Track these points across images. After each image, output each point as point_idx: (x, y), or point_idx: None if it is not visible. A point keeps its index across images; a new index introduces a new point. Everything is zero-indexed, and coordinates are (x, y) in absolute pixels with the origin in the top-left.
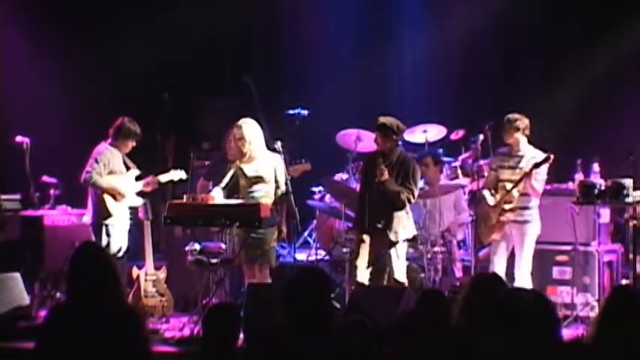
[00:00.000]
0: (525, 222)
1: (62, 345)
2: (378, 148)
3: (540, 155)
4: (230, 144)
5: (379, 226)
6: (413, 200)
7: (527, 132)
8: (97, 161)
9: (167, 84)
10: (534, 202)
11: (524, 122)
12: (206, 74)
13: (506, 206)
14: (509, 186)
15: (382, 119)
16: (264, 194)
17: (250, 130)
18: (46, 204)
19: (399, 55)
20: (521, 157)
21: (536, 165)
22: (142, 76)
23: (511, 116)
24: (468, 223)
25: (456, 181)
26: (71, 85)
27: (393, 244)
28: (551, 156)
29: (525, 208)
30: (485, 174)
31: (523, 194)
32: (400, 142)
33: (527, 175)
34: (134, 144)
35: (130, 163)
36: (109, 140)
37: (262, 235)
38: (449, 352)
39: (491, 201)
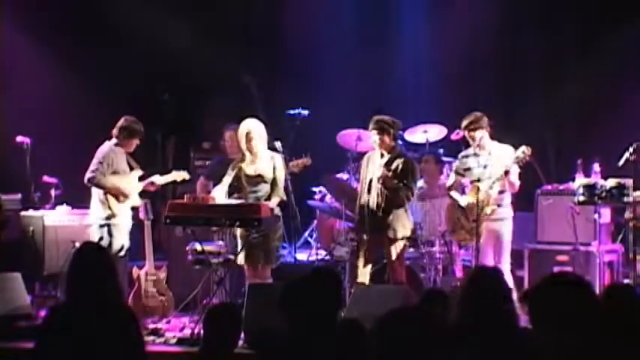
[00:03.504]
0: (501, 219)
1: (61, 345)
2: (377, 147)
3: (505, 148)
4: (230, 144)
5: (377, 224)
6: (412, 198)
7: (489, 129)
8: (100, 161)
9: (167, 84)
10: (508, 199)
11: (485, 120)
12: (206, 74)
13: (488, 209)
14: (482, 185)
15: (375, 117)
16: (265, 193)
17: (257, 130)
18: (47, 204)
19: (399, 55)
20: (489, 153)
21: (517, 163)
22: (142, 76)
23: (473, 117)
24: None
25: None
26: (72, 84)
27: (393, 242)
28: (523, 153)
29: (500, 205)
30: (452, 176)
31: (499, 192)
32: (401, 142)
33: (506, 175)
34: (138, 142)
35: (133, 163)
36: (113, 140)
37: (263, 234)
38: (448, 351)
39: (463, 202)
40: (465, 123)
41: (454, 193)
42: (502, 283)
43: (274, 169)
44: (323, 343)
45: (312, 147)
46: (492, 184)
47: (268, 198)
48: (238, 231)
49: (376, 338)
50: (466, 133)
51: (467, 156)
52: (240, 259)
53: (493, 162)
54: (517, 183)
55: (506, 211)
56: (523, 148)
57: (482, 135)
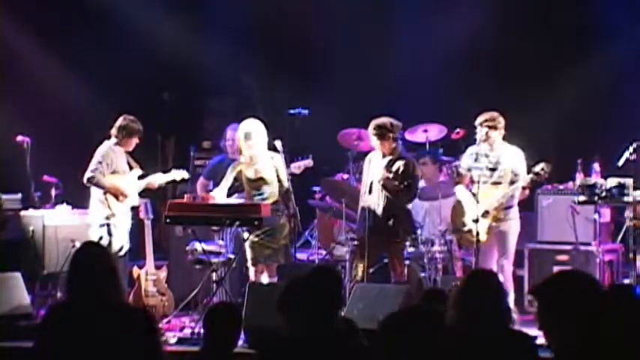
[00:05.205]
0: (507, 221)
1: (61, 344)
2: (378, 150)
3: (517, 152)
4: (231, 143)
5: (379, 225)
6: (413, 200)
7: (503, 131)
8: (100, 161)
9: (167, 84)
10: (516, 201)
11: (502, 121)
12: (206, 74)
13: (501, 214)
14: (490, 188)
15: (374, 121)
16: (269, 195)
17: (256, 131)
18: (47, 204)
19: (399, 55)
20: (499, 156)
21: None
22: (142, 75)
23: (489, 115)
24: None
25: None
26: (72, 84)
27: (393, 243)
28: (542, 170)
29: (509, 207)
30: (462, 171)
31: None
32: (400, 142)
33: (524, 190)
34: (138, 141)
35: (133, 163)
36: (113, 139)
37: (270, 233)
38: (448, 351)
39: (472, 210)
40: (481, 119)
41: (461, 189)
42: (497, 285)
43: (276, 169)
44: (323, 343)
45: (312, 147)
46: (505, 194)
47: (273, 198)
48: (245, 234)
49: (378, 338)
50: (479, 127)
51: (477, 154)
52: (249, 260)
53: (503, 164)
54: (526, 191)
55: (514, 213)
56: (542, 165)
57: (494, 134)
